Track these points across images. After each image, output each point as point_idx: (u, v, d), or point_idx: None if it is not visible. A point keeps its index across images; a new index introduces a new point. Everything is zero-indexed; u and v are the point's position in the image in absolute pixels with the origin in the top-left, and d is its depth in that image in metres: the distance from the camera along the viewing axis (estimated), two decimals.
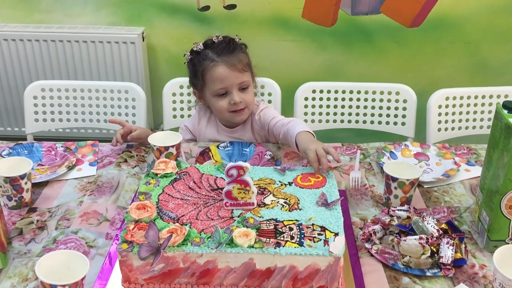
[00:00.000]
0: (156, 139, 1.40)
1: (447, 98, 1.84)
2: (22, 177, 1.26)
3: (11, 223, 1.23)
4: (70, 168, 1.45)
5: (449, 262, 1.09)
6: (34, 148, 1.55)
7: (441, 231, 1.15)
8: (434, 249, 1.11)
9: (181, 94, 1.90)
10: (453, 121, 1.87)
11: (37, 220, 1.24)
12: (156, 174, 1.21)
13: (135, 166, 1.46)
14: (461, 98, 1.86)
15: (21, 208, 1.28)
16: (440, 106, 1.84)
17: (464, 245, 1.16)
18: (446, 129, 1.87)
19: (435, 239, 1.12)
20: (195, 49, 1.55)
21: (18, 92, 2.57)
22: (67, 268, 0.99)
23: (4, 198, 1.26)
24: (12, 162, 1.32)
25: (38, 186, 1.38)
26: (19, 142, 1.60)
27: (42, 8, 2.52)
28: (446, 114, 1.86)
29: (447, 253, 1.10)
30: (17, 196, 1.27)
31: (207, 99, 1.56)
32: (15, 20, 2.55)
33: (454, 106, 1.86)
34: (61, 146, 1.55)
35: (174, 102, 1.90)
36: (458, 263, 1.11)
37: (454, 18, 2.23)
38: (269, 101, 1.86)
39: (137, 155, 1.51)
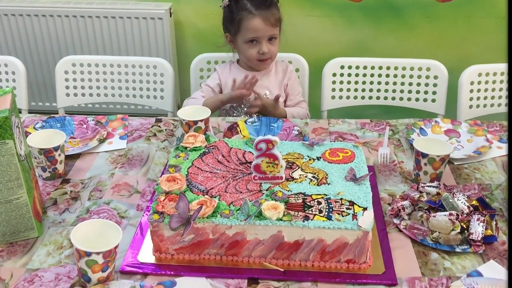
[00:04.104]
0: (185, 113, 1.38)
1: (479, 74, 1.79)
2: (55, 149, 1.26)
3: (45, 193, 1.24)
4: (101, 141, 1.45)
5: (479, 238, 1.07)
6: (66, 121, 1.54)
7: (471, 208, 1.14)
8: (464, 226, 1.09)
9: (208, 70, 1.88)
10: (485, 97, 1.82)
11: (71, 191, 1.25)
12: (186, 148, 1.20)
13: (164, 140, 1.46)
14: (494, 74, 1.80)
15: (55, 179, 1.30)
16: (472, 83, 1.79)
17: (495, 222, 1.14)
18: (478, 106, 1.82)
19: (465, 215, 1.11)
20: None
21: (49, 68, 2.59)
22: (101, 237, 0.99)
23: (38, 169, 1.27)
24: (45, 135, 1.32)
25: (71, 158, 1.38)
26: (52, 115, 1.58)
27: None
28: (478, 90, 1.81)
29: (478, 229, 1.09)
30: (51, 167, 1.28)
31: (238, 44, 1.69)
32: None
33: (486, 82, 1.81)
34: (92, 120, 1.54)
35: (201, 77, 1.88)
36: (488, 240, 1.09)
37: None
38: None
39: (166, 130, 1.51)
